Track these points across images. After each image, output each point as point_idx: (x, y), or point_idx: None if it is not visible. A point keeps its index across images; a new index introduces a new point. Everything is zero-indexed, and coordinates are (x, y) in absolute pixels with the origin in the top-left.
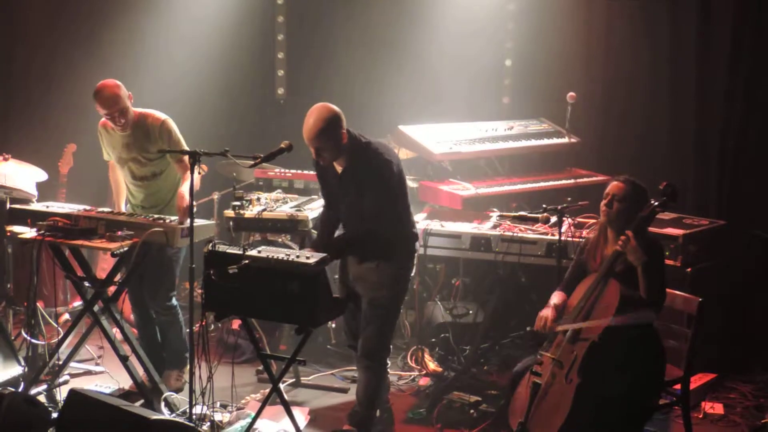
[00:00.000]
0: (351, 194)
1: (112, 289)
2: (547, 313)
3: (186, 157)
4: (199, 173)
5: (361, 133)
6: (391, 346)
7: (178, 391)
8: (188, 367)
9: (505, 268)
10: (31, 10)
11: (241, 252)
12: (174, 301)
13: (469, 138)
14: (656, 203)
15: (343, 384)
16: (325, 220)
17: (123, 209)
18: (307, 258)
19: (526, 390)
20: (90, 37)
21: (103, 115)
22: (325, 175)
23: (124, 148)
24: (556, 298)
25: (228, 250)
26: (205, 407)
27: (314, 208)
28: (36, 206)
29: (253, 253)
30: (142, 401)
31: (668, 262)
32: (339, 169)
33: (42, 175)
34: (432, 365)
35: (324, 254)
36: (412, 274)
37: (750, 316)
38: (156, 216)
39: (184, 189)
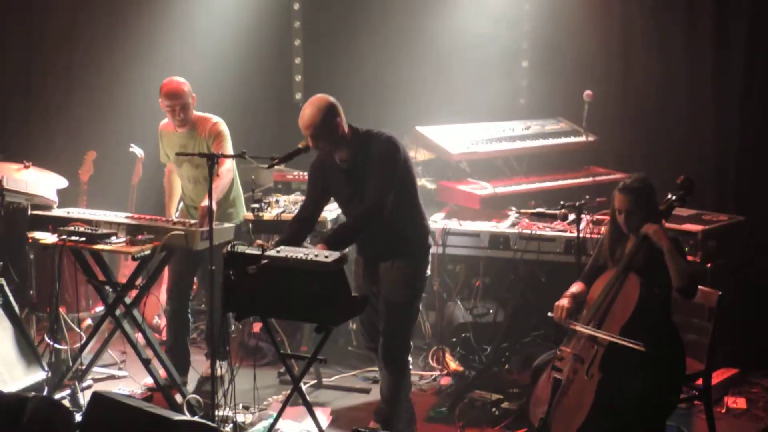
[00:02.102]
0: (362, 186)
1: (133, 293)
2: (564, 303)
3: (222, 160)
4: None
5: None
6: (412, 346)
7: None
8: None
9: (524, 266)
10: (49, 20)
11: (260, 252)
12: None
13: (487, 138)
14: (674, 197)
15: (364, 385)
16: (299, 219)
17: (173, 215)
18: (326, 257)
19: (547, 385)
20: (107, 47)
21: (164, 108)
22: (325, 178)
23: (181, 149)
24: (574, 287)
25: (247, 251)
26: (227, 409)
27: (332, 209)
28: (57, 212)
29: (272, 253)
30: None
31: (688, 258)
32: (343, 165)
33: (63, 183)
34: (453, 365)
35: (343, 253)
36: (428, 273)
37: None
38: (176, 219)
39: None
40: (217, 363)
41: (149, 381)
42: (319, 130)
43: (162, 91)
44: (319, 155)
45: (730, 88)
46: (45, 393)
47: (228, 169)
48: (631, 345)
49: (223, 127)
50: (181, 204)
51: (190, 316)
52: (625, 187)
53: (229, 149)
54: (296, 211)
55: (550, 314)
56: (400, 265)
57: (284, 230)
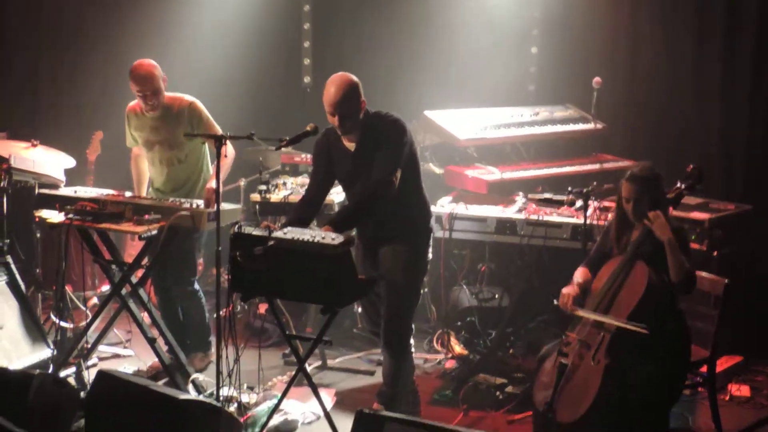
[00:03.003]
0: (367, 169)
1: (139, 272)
2: (569, 290)
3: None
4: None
5: None
6: (415, 329)
7: (202, 371)
8: (213, 349)
9: (531, 252)
10: (58, 1)
11: (266, 233)
12: (196, 286)
13: (495, 123)
14: (683, 186)
15: (369, 367)
16: (305, 201)
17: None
18: (333, 239)
19: (552, 369)
20: (116, 27)
21: (135, 93)
22: (330, 160)
23: (152, 131)
24: (579, 275)
25: (254, 232)
26: (232, 389)
27: (339, 191)
28: (64, 191)
29: (278, 234)
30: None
31: (694, 246)
32: (351, 147)
33: (70, 162)
34: (458, 348)
35: (350, 235)
36: (430, 257)
37: None
38: (183, 200)
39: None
40: (222, 343)
41: (155, 360)
42: (346, 108)
43: (131, 76)
44: (321, 136)
45: (740, 74)
46: (50, 371)
47: (231, 148)
48: (634, 328)
49: (201, 106)
50: (150, 189)
51: (201, 294)
52: (632, 176)
53: (217, 127)
54: (303, 193)
55: (556, 302)
56: (403, 249)
57: (290, 212)
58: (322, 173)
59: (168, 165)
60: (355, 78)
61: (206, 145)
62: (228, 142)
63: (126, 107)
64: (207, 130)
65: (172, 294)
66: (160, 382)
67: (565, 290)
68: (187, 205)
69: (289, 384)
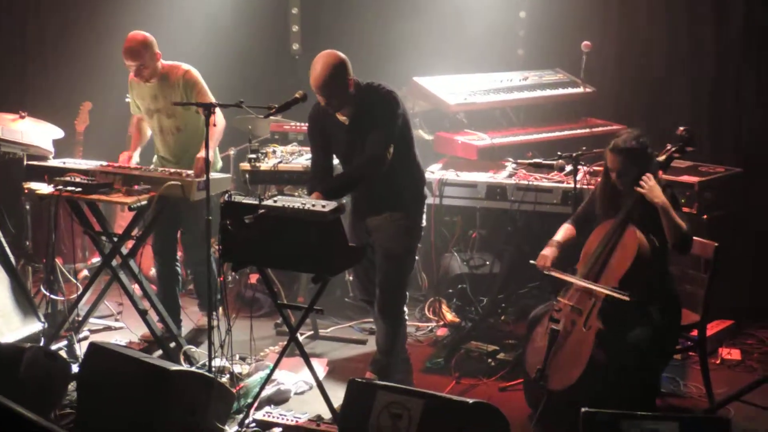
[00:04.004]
0: (362, 141)
1: (129, 243)
2: (547, 252)
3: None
4: None
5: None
6: (409, 297)
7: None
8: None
9: (521, 217)
10: None
11: (257, 202)
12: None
13: (484, 89)
14: (673, 149)
15: (361, 336)
16: (315, 179)
17: (136, 160)
18: (323, 206)
19: (544, 336)
20: None
21: (127, 66)
22: (327, 136)
23: (152, 100)
24: (561, 232)
25: (244, 200)
26: (224, 359)
27: None
28: (53, 162)
29: (269, 202)
30: (160, 352)
31: (684, 209)
32: (344, 120)
33: (58, 133)
34: (449, 316)
35: (340, 202)
36: (424, 224)
37: (767, 263)
38: (173, 170)
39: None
40: (213, 314)
41: (146, 332)
42: (332, 87)
43: (123, 49)
44: (314, 109)
45: (730, 37)
46: (42, 344)
47: (221, 117)
48: (617, 295)
49: (197, 74)
50: (155, 158)
51: (178, 268)
52: (616, 148)
53: (211, 96)
54: (293, 161)
55: (532, 261)
56: (398, 217)
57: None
58: (321, 150)
59: (169, 134)
60: (341, 55)
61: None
62: (218, 110)
63: (128, 76)
64: (199, 98)
65: (174, 262)
66: (155, 354)
67: (543, 252)
68: (177, 175)
69: (281, 354)
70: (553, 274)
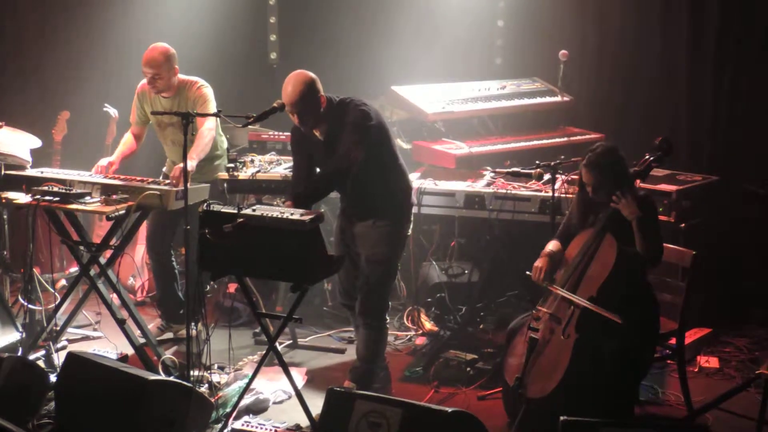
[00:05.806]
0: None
1: (108, 253)
2: (541, 263)
3: (204, 119)
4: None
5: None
6: (390, 305)
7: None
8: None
9: (500, 226)
10: None
11: (236, 211)
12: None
13: (462, 98)
14: (651, 158)
15: (340, 345)
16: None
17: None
18: (302, 215)
19: (523, 345)
20: (83, 6)
21: (143, 72)
22: (308, 147)
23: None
24: (551, 246)
25: (223, 209)
26: (202, 369)
27: None
28: (30, 172)
29: (247, 211)
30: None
31: (662, 218)
32: (319, 135)
33: (36, 142)
34: (428, 325)
35: (319, 212)
36: (410, 232)
37: (744, 271)
38: (151, 179)
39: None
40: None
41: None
42: (302, 106)
43: (143, 56)
44: (294, 128)
45: (705, 49)
46: (19, 354)
47: (209, 128)
48: (608, 316)
49: (207, 90)
50: (165, 168)
51: (175, 264)
52: (590, 164)
53: (212, 110)
54: (271, 170)
55: (528, 273)
56: (382, 224)
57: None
58: (302, 159)
59: (180, 146)
60: (310, 75)
61: (215, 121)
62: (211, 121)
63: (139, 85)
64: (200, 110)
65: (170, 261)
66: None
67: (537, 263)
68: (156, 184)
69: (260, 363)
70: (551, 289)
